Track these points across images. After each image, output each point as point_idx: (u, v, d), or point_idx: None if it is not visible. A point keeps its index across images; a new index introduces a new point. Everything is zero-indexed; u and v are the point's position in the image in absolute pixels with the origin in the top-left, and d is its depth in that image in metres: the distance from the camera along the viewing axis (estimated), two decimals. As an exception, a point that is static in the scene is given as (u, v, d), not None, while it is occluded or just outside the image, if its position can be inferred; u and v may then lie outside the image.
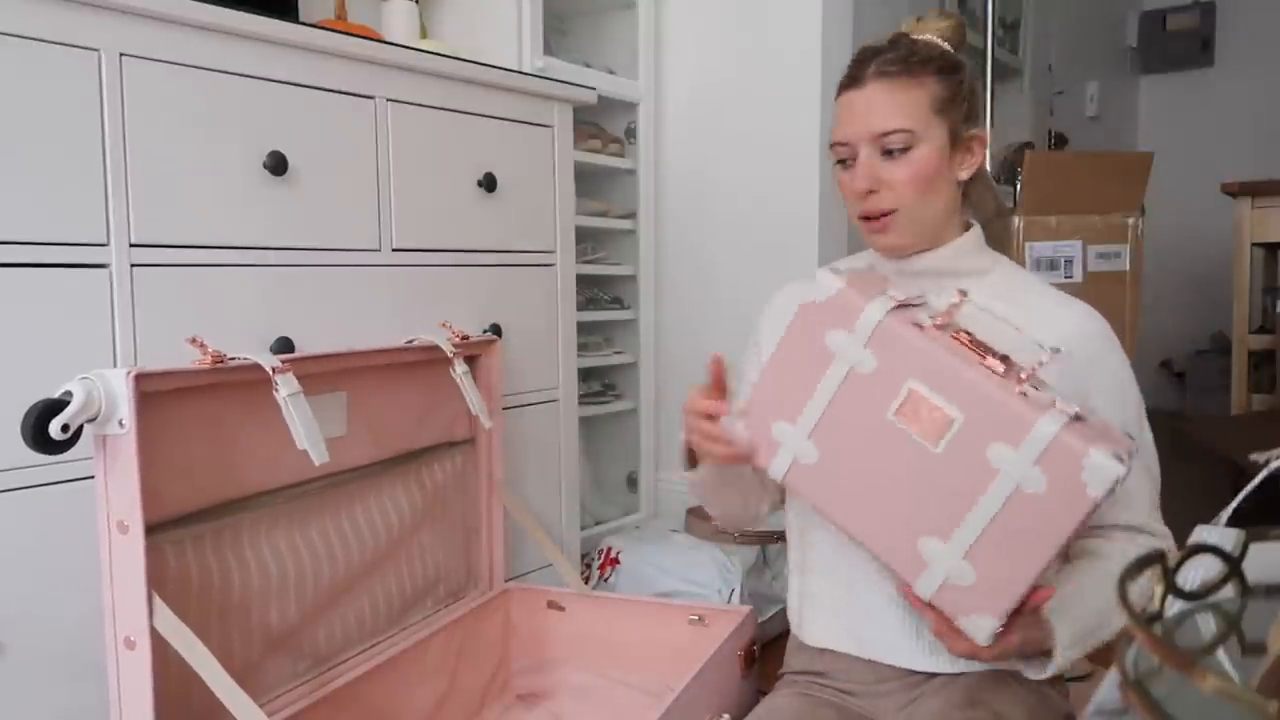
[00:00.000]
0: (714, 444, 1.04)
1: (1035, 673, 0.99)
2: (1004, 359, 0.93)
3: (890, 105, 1.06)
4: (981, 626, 0.90)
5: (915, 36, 1.10)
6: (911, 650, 1.08)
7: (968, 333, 0.96)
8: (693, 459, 1.15)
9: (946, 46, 1.10)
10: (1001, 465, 0.90)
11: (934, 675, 1.08)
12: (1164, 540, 1.10)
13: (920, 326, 0.95)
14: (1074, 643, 0.97)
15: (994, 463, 0.90)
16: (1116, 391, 1.09)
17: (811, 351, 0.99)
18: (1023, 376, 0.91)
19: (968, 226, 1.13)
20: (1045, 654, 0.97)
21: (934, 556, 0.91)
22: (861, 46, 1.12)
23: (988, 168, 1.13)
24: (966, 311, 0.99)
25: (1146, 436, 1.11)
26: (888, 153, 1.06)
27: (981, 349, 0.94)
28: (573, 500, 1.87)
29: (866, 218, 1.10)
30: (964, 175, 1.11)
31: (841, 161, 1.10)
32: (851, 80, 1.09)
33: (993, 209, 1.19)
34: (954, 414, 0.92)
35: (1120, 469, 0.85)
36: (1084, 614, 0.99)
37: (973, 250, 1.13)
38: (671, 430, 2.43)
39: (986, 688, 1.04)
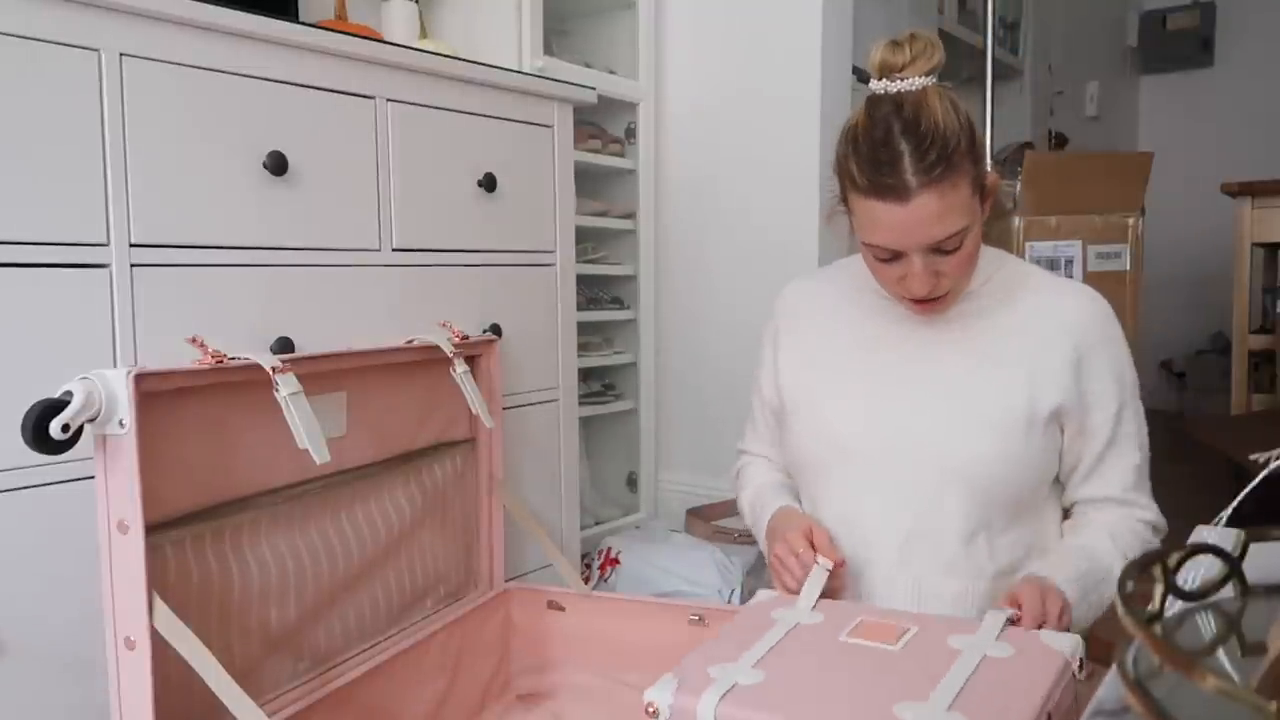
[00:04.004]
0: (788, 574, 1.08)
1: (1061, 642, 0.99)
2: None
3: (944, 213, 0.98)
4: None
5: (911, 87, 1.00)
6: None
7: None
8: None
9: (953, 96, 1.02)
10: (963, 647, 0.92)
11: None
12: (1147, 510, 1.15)
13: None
14: (1078, 580, 1.03)
15: (955, 646, 0.92)
16: (1113, 374, 1.12)
17: (756, 622, 1.01)
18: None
19: None
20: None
21: (913, 715, 0.81)
22: (865, 136, 1.01)
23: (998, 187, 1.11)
24: None
25: (1137, 413, 1.14)
26: (941, 250, 1.02)
27: None
28: (573, 500, 1.87)
29: (917, 301, 1.07)
30: (988, 214, 1.09)
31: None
32: (887, 191, 0.98)
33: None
34: (908, 625, 0.97)
35: (1073, 638, 0.92)
36: (1089, 587, 1.06)
37: (979, 267, 1.13)
38: (671, 430, 2.43)
39: None
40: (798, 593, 1.05)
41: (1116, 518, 1.13)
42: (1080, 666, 0.91)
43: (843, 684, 0.88)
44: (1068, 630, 0.99)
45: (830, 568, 1.06)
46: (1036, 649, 0.91)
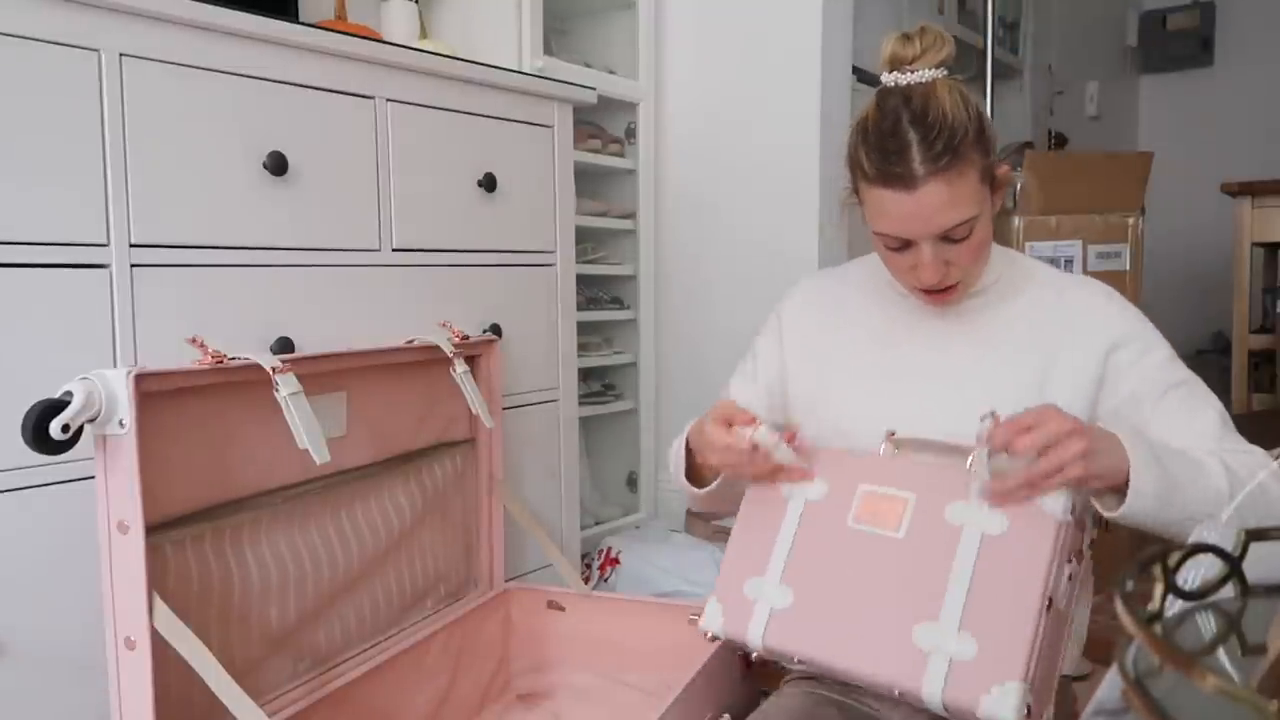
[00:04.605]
0: (742, 460, 1.03)
1: (1110, 507, 0.94)
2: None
3: (951, 201, 0.99)
4: (1009, 692, 0.83)
5: (921, 79, 1.01)
6: None
7: None
8: (695, 477, 1.17)
9: (962, 88, 1.03)
10: (962, 520, 0.94)
11: None
12: (1252, 452, 1.04)
13: None
14: (1148, 466, 0.92)
15: (954, 520, 0.94)
16: (1141, 346, 1.10)
17: (769, 501, 1.06)
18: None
19: None
20: (1118, 492, 0.94)
21: (930, 641, 0.89)
22: (874, 126, 1.01)
23: (1011, 179, 1.11)
24: None
25: (1189, 380, 1.10)
26: (949, 239, 1.02)
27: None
28: (573, 500, 1.87)
29: (928, 291, 1.08)
30: (999, 206, 1.09)
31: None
32: (895, 180, 0.99)
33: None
34: (905, 495, 0.98)
35: (1063, 496, 0.90)
36: (1166, 458, 0.96)
37: (989, 263, 1.13)
38: (671, 430, 2.43)
39: None
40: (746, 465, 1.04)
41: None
42: (1073, 510, 0.91)
43: (861, 597, 0.94)
44: (1084, 457, 0.90)
45: (753, 433, 1.01)
46: (1029, 519, 0.91)
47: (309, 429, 1.10)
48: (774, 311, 1.28)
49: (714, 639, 1.04)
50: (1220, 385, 2.94)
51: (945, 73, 1.03)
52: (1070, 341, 1.09)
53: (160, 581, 1.00)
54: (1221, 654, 0.49)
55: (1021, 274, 1.15)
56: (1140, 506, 0.93)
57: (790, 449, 1.03)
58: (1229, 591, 0.52)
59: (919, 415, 1.11)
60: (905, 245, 1.04)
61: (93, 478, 0.94)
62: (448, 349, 1.40)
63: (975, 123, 1.01)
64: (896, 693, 0.90)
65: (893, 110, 1.02)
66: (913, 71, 1.02)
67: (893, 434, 1.04)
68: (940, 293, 1.08)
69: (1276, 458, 1.00)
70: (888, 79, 1.04)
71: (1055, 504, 0.91)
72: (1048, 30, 3.80)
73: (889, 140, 1.00)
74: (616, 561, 2.01)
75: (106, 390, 0.92)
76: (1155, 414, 1.07)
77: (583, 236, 2.14)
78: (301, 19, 1.73)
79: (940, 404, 1.11)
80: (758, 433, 1.00)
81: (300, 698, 1.16)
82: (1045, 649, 0.86)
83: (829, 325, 1.22)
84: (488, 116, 1.63)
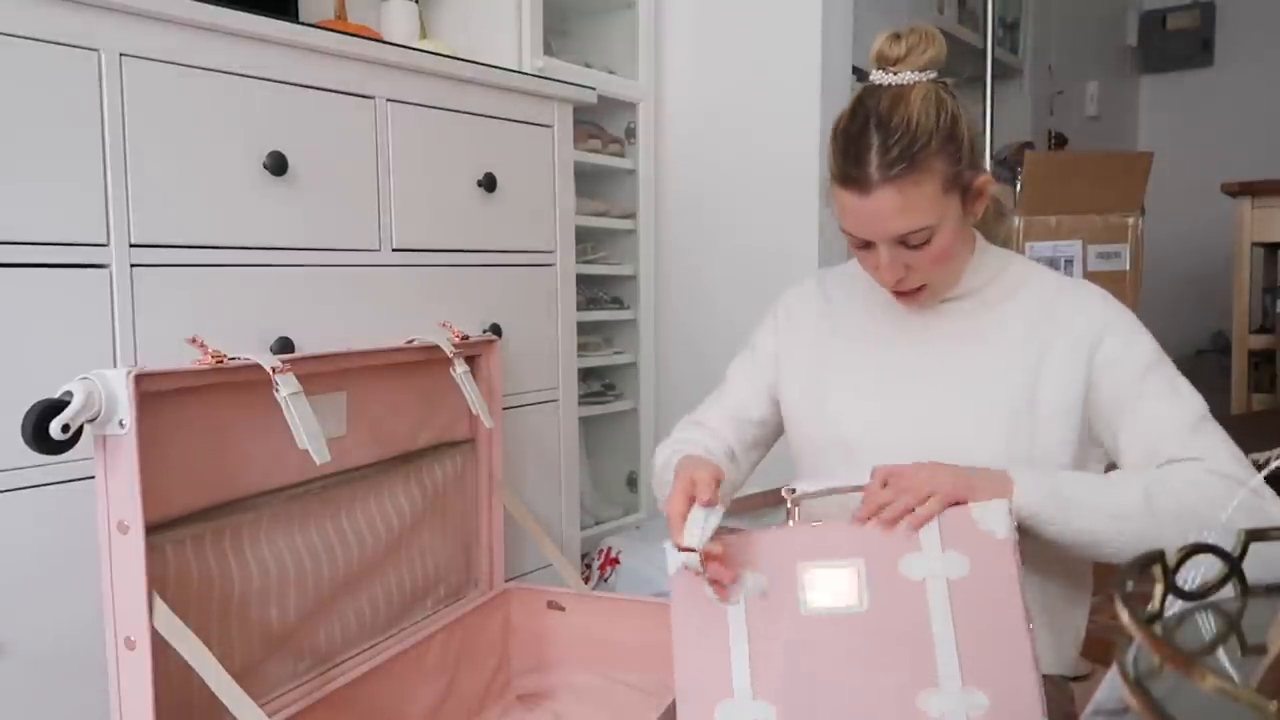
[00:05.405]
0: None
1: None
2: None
3: (903, 209, 0.99)
4: None
5: (901, 81, 1.01)
6: None
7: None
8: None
9: (943, 93, 1.02)
10: (921, 573, 0.90)
11: None
12: (1214, 460, 1.02)
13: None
14: (1034, 483, 0.97)
15: (913, 574, 0.90)
16: (1125, 348, 1.08)
17: (707, 611, 0.95)
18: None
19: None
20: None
21: (940, 707, 0.86)
22: (844, 125, 1.02)
23: (992, 189, 1.10)
24: None
25: (1173, 379, 1.08)
26: (907, 244, 1.02)
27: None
28: (573, 500, 1.87)
29: (896, 291, 1.09)
30: (978, 216, 1.09)
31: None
32: (851, 182, 1.00)
33: (993, 211, 1.19)
34: (851, 564, 0.92)
35: (998, 507, 0.92)
36: (1062, 474, 1.01)
37: (979, 266, 1.13)
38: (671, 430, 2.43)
39: None
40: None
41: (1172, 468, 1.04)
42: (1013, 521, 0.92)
43: (849, 686, 0.88)
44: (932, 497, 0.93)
45: (683, 557, 0.94)
46: (983, 548, 0.90)
47: (309, 429, 1.10)
48: (772, 308, 1.28)
49: None
50: (1220, 385, 2.94)
51: (933, 75, 1.03)
52: (1060, 342, 1.09)
53: (160, 581, 1.00)
54: (1221, 654, 0.49)
55: (1016, 276, 1.15)
56: (1032, 496, 0.96)
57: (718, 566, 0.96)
58: (1229, 591, 0.52)
59: (912, 417, 1.11)
60: (868, 244, 1.05)
61: (93, 478, 0.94)
62: (448, 349, 1.40)
63: (944, 131, 1.00)
64: None
65: (864, 111, 1.02)
66: (895, 73, 1.02)
67: (792, 491, 1.00)
68: (908, 294, 1.09)
69: (1278, 458, 1.00)
70: (875, 77, 1.05)
71: (997, 524, 0.91)
72: (1048, 30, 3.80)
73: (852, 142, 1.01)
74: (616, 561, 2.01)
75: (106, 390, 0.92)
76: (1128, 417, 1.07)
77: (583, 236, 2.14)
78: (301, 19, 1.73)
79: (932, 406, 1.11)
80: (687, 559, 0.93)
81: (300, 698, 1.16)
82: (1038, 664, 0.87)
83: (826, 325, 1.22)
84: (487, 116, 1.63)
